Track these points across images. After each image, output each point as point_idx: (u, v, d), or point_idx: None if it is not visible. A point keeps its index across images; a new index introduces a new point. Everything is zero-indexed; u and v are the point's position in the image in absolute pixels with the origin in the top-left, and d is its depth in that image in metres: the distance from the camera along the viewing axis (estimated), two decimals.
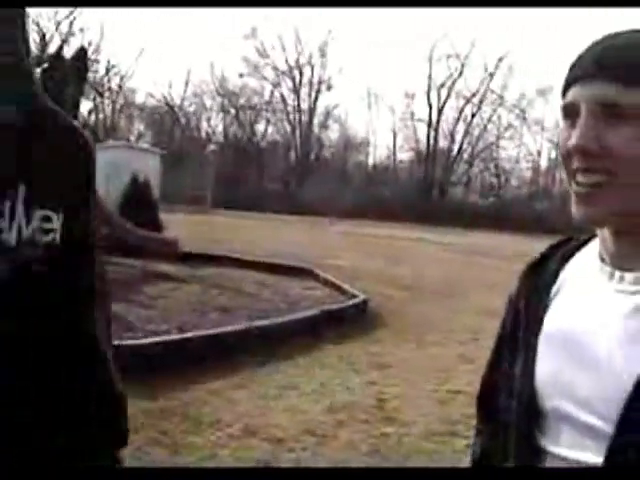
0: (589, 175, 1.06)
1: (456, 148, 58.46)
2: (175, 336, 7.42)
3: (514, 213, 50.69)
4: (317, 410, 5.85)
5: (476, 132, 58.43)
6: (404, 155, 61.78)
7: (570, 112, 1.10)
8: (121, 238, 10.10)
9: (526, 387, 1.17)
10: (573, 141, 1.06)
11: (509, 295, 1.33)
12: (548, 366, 1.15)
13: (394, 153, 60.96)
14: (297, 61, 57.97)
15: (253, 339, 7.71)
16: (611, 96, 1.04)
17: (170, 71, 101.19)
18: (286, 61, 57.87)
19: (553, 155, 59.33)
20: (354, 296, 10.90)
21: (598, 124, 1.05)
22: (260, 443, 4.92)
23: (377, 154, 64.02)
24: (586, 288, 1.15)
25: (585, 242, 1.24)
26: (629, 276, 1.09)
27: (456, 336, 9.55)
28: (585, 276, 1.17)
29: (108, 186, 15.37)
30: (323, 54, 57.70)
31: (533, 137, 60.26)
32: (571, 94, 1.10)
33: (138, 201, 13.86)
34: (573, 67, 1.13)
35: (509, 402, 1.22)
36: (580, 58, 1.12)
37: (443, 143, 58.56)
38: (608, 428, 1.02)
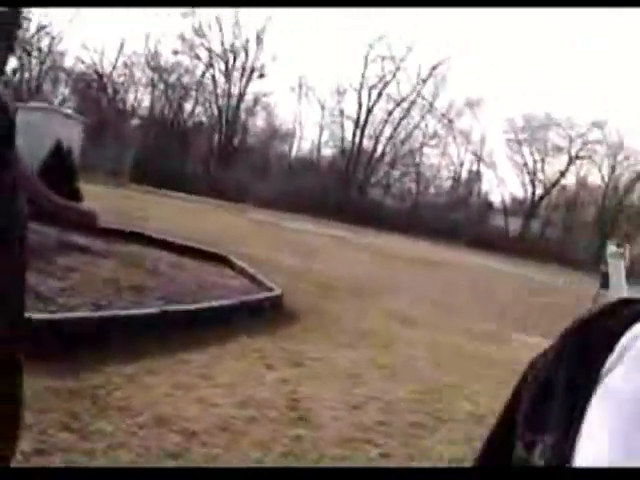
0: None
1: (380, 150, 58.97)
2: (90, 314, 7.21)
3: (429, 220, 51.49)
4: (229, 404, 5.75)
5: (401, 136, 59.06)
6: (328, 151, 62.04)
7: None
8: (39, 204, 9.80)
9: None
10: None
11: (537, 356, 1.02)
12: (595, 457, 0.84)
13: (319, 148, 61.15)
14: (232, 45, 57.59)
15: (168, 324, 7.55)
16: None
17: (103, 39, 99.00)
18: (222, 44, 57.45)
19: (475, 167, 60.39)
20: (270, 289, 10.82)
21: None
22: (171, 435, 4.79)
23: (301, 147, 64.03)
24: None
25: None
26: None
27: (367, 339, 9.59)
28: None
29: (27, 148, 14.91)
30: (259, 40, 57.46)
31: (457, 148, 61.26)
32: None
33: (59, 168, 13.45)
34: None
35: None
36: None
37: (368, 143, 59.02)
38: None
